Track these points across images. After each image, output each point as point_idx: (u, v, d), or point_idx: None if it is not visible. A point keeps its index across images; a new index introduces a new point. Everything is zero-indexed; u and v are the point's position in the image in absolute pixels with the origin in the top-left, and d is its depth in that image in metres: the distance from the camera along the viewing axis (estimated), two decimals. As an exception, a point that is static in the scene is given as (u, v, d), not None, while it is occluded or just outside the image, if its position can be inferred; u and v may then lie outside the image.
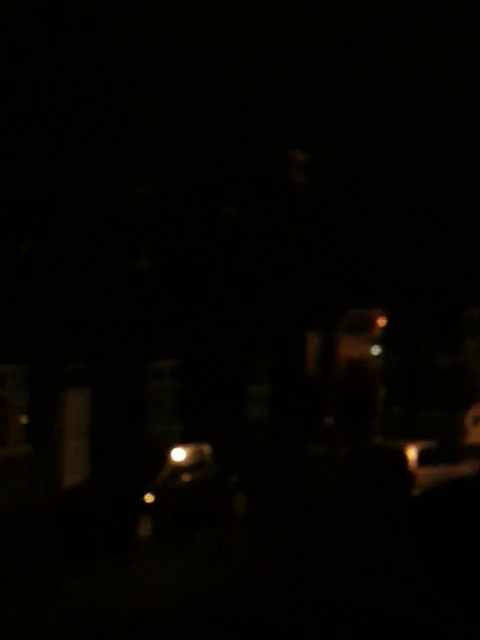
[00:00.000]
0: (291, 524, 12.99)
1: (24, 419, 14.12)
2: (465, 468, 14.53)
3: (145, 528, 11.95)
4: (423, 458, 14.41)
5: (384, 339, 20.96)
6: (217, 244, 18.28)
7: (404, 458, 14.28)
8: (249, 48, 17.92)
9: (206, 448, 13.59)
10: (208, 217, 17.91)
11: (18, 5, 13.12)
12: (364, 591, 9.90)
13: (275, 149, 19.84)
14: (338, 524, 12.80)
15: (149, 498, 12.17)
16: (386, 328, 20.67)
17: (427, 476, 13.95)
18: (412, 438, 15.46)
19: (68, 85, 14.20)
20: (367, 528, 12.30)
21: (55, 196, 14.16)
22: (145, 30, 15.57)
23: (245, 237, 18.78)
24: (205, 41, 16.87)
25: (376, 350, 20.78)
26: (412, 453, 14.36)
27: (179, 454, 13.01)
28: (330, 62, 19.64)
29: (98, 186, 14.95)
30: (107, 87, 15.02)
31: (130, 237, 16.12)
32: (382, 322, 20.84)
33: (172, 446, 13.16)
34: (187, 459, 13.09)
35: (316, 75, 19.53)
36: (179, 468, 12.89)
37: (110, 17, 14.82)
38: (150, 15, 15.62)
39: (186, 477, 12.92)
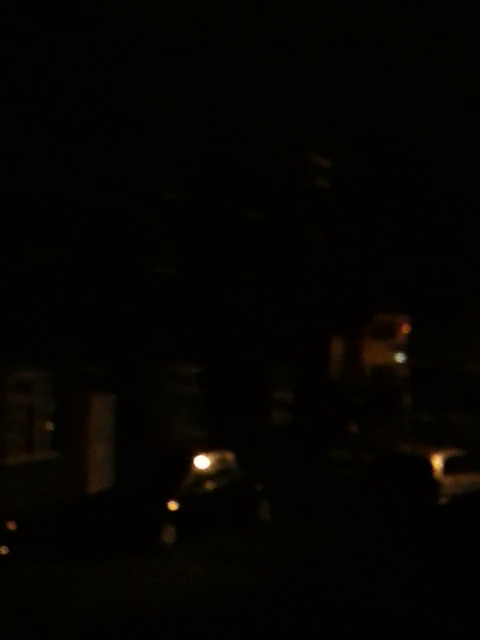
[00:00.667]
0: (309, 529, 12.98)
1: (49, 425, 14.23)
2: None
3: (169, 535, 11.98)
4: (449, 466, 14.24)
5: (409, 345, 20.82)
6: (240, 250, 18.29)
7: (429, 466, 14.13)
8: (273, 52, 17.92)
9: (229, 455, 13.58)
10: (230, 223, 17.93)
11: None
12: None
13: (297, 155, 19.82)
14: (353, 529, 12.78)
15: (173, 505, 12.19)
16: (411, 334, 20.54)
17: (453, 484, 13.79)
18: (438, 445, 15.28)
19: (83, 89, 14.25)
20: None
21: (78, 202, 14.26)
22: (168, 35, 15.64)
23: (267, 243, 18.77)
24: (229, 43, 16.91)
25: (400, 356, 20.65)
26: (438, 461, 14.20)
27: (203, 461, 13.02)
28: (356, 67, 19.57)
29: (120, 192, 15.03)
30: (126, 90, 15.08)
31: (154, 243, 16.19)
32: (406, 328, 20.72)
33: (196, 452, 13.17)
34: (211, 466, 13.09)
35: (340, 79, 19.47)
36: (203, 475, 12.90)
37: (130, 18, 14.81)
38: (174, 18, 15.65)
39: (210, 484, 12.92)
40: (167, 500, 12.17)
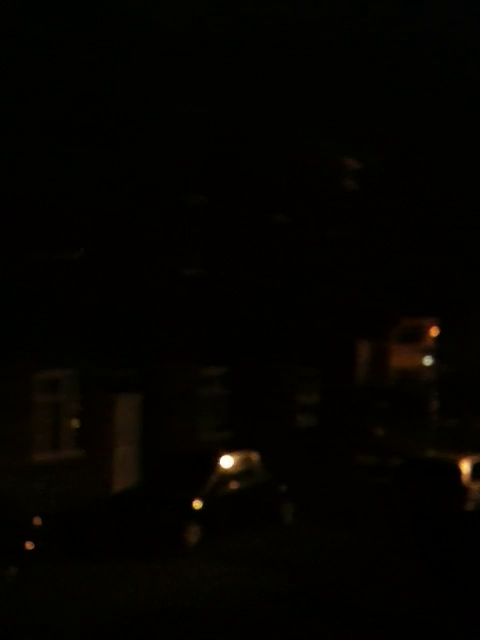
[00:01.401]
0: (333, 533, 12.95)
1: (75, 423, 14.30)
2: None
3: (193, 534, 11.96)
4: (477, 472, 14.05)
5: (436, 349, 20.61)
6: (268, 252, 18.27)
7: (458, 471, 13.95)
8: (301, 56, 17.92)
9: (254, 456, 13.56)
10: (259, 225, 17.93)
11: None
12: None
13: (327, 157, 19.76)
14: (376, 534, 12.71)
15: (197, 504, 12.18)
16: (439, 338, 20.33)
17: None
18: (466, 451, 15.08)
19: (116, 94, 14.34)
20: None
21: (113, 205, 14.33)
22: (201, 39, 15.69)
23: (295, 245, 18.74)
24: (257, 48, 16.94)
25: (428, 360, 20.45)
26: (466, 466, 14.01)
27: (227, 461, 13.00)
28: (386, 70, 19.49)
29: (152, 196, 15.09)
30: (154, 94, 15.14)
31: (182, 245, 16.23)
32: (434, 332, 20.52)
33: (220, 453, 13.15)
34: (235, 466, 13.07)
35: (369, 82, 19.41)
36: (227, 475, 12.87)
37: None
38: (213, 21, 15.67)
39: (234, 485, 12.89)
40: (191, 500, 12.16)
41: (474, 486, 13.84)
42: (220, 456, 13.03)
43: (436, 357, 20.64)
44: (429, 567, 10.74)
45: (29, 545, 10.21)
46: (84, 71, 13.78)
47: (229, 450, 13.51)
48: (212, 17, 15.90)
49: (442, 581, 10.34)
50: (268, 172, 17.77)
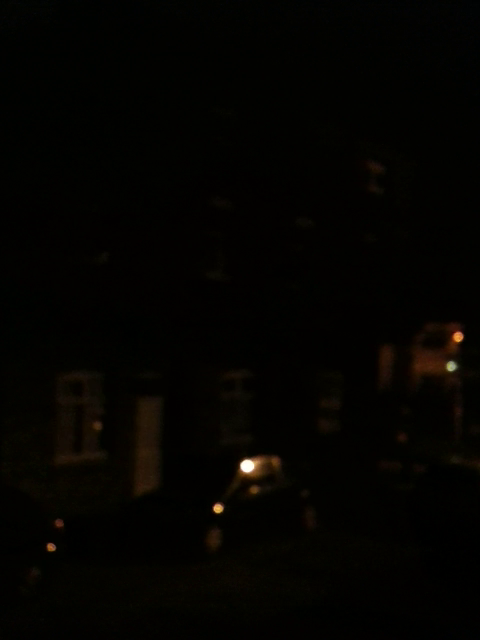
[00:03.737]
0: (355, 540, 12.87)
1: (98, 426, 14.39)
2: None
3: (214, 539, 11.97)
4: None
5: (460, 354, 20.44)
6: (291, 256, 18.25)
7: (480, 479, 13.78)
8: (323, 59, 17.88)
9: (276, 460, 13.52)
10: (283, 229, 17.91)
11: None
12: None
13: (351, 161, 19.70)
14: (401, 542, 12.62)
15: (218, 509, 12.18)
16: (463, 343, 20.16)
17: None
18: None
19: (132, 99, 14.38)
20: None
21: (137, 209, 14.39)
22: (232, 43, 15.72)
23: (319, 249, 18.69)
24: (281, 50, 16.94)
25: (452, 366, 20.29)
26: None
27: (248, 466, 12.99)
28: (406, 72, 19.37)
29: (176, 200, 15.14)
30: (179, 100, 15.21)
31: (205, 249, 16.27)
32: (458, 337, 20.35)
33: (242, 457, 13.14)
34: (256, 471, 13.05)
35: (393, 84, 19.30)
36: (248, 480, 12.86)
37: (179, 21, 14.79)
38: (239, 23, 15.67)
39: (255, 489, 12.88)
40: (212, 504, 12.17)
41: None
42: (241, 461, 13.02)
43: (460, 363, 20.47)
44: (450, 574, 10.65)
45: (51, 547, 10.27)
46: (96, 73, 13.83)
47: (251, 454, 13.49)
48: (243, 19, 15.91)
49: (459, 586, 10.24)
50: (291, 176, 17.76)
